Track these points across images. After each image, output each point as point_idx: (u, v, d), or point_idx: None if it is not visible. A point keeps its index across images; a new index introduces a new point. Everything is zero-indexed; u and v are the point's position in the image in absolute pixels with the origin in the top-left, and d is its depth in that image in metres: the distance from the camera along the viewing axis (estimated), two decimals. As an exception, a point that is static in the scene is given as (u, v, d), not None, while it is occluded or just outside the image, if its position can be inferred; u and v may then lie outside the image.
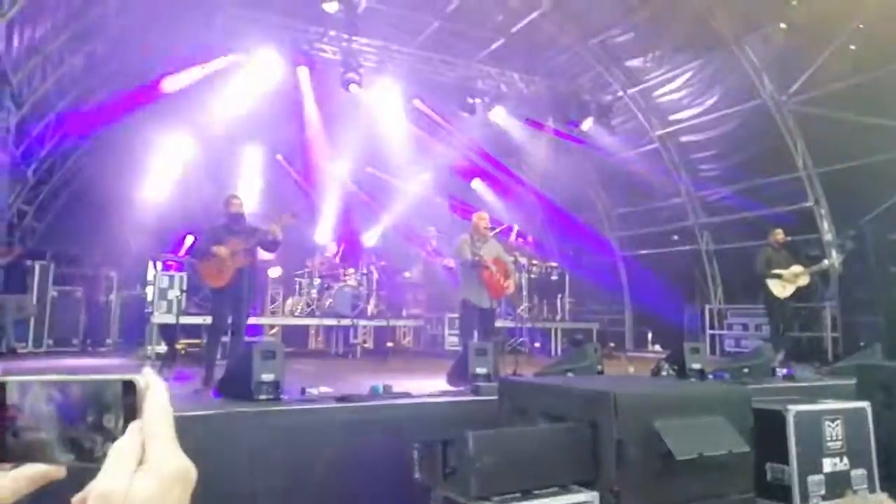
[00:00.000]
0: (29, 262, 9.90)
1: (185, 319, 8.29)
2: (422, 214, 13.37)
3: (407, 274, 11.99)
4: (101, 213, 10.57)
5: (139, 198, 11.00)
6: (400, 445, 3.69)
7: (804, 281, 8.62)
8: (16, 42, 7.40)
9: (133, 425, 0.57)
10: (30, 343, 9.80)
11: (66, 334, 10.17)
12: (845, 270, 9.44)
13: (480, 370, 5.33)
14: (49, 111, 9.37)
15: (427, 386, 5.48)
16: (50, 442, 0.58)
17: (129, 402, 0.58)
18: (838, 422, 4.11)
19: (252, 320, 9.42)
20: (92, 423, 0.58)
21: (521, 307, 11.45)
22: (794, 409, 4.01)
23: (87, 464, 0.57)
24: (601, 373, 5.78)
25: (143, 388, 0.59)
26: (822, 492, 3.94)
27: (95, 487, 0.54)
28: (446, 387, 5.47)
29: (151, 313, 8.73)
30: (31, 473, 0.59)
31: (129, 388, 0.59)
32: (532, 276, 11.94)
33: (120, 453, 0.55)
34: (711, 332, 12.12)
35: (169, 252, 9.77)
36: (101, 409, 0.58)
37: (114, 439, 0.56)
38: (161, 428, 0.58)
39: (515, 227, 11.94)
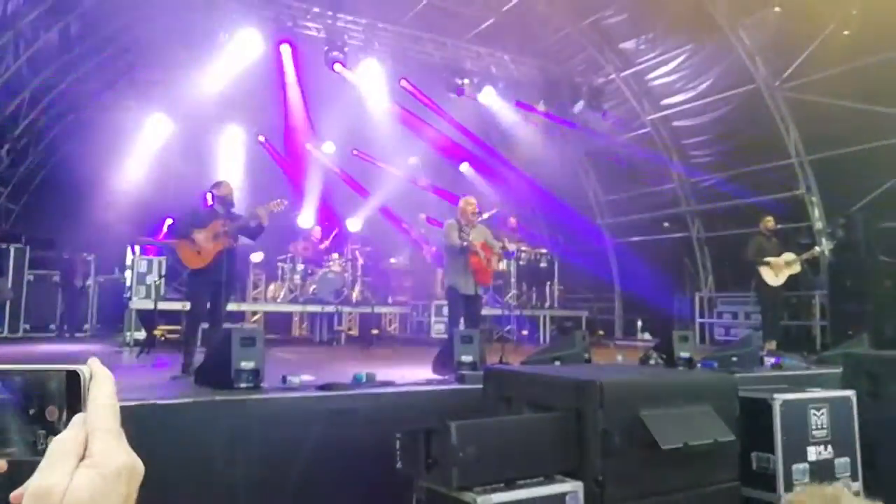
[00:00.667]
0: (3, 246, 9.67)
1: (163, 305, 8.14)
2: (409, 199, 13.21)
3: (393, 260, 11.86)
4: (79, 194, 10.33)
5: (117, 180, 10.76)
6: (382, 435, 3.60)
7: (796, 269, 8.59)
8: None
9: (76, 418, 0.55)
10: (5, 328, 9.61)
11: (42, 319, 9.99)
12: (835, 259, 9.42)
13: (466, 358, 5.23)
14: (22, 89, 9.10)
15: (412, 374, 5.39)
16: None
17: (73, 394, 0.56)
18: (824, 410, 4.14)
19: (233, 306, 9.29)
20: (34, 416, 0.56)
21: (510, 294, 11.36)
22: (780, 397, 4.00)
23: (28, 458, 0.54)
24: (589, 361, 5.71)
25: (88, 378, 0.57)
26: (807, 480, 3.98)
27: (32, 484, 0.51)
28: (431, 375, 5.37)
29: (130, 298, 8.57)
30: None
31: (74, 378, 0.56)
32: (521, 262, 11.84)
33: (61, 448, 0.53)
34: (701, 320, 12.11)
35: (147, 236, 9.56)
36: (44, 401, 0.56)
37: (57, 433, 0.55)
38: (105, 421, 0.55)
39: (513, 218, 11.85)
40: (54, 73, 9.51)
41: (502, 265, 7.23)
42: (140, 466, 0.56)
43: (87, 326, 10.54)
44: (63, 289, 10.44)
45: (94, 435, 0.54)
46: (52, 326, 10.16)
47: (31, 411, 0.56)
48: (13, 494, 0.53)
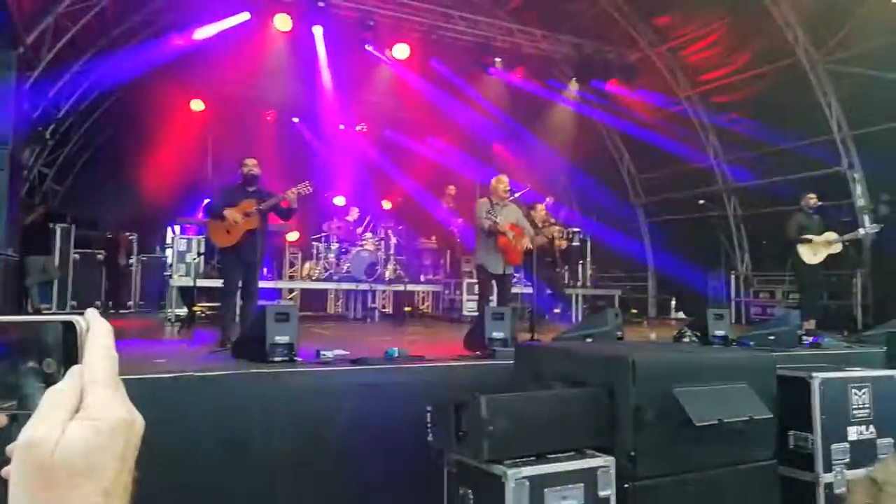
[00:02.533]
0: (50, 225, 9.98)
1: (202, 282, 8.33)
2: (440, 179, 13.19)
3: (425, 239, 11.89)
4: (121, 175, 10.61)
5: (157, 161, 10.98)
6: (414, 409, 3.65)
7: (836, 248, 8.34)
8: (27, 3, 7.32)
9: (72, 370, 0.53)
10: (54, 305, 9.96)
11: (88, 297, 10.30)
12: (878, 237, 9.12)
13: (497, 335, 5.25)
14: (65, 72, 9.33)
15: (444, 350, 5.43)
16: None
17: (70, 346, 0.54)
18: (865, 390, 4.05)
19: (269, 284, 9.47)
20: (32, 368, 0.54)
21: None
22: (819, 376, 3.93)
23: (26, 411, 0.52)
24: (621, 339, 5.67)
25: (85, 330, 0.55)
26: (847, 459, 3.92)
27: (22, 435, 0.49)
28: (463, 351, 5.40)
29: (170, 276, 8.79)
30: None
31: (71, 329, 0.54)
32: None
33: (54, 399, 0.51)
34: (737, 299, 11.89)
35: (186, 215, 9.78)
36: (41, 353, 0.54)
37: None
38: (102, 373, 0.53)
39: (550, 197, 11.75)
40: (93, 56, 9.72)
41: (533, 243, 7.17)
42: (139, 421, 0.54)
43: (130, 303, 10.87)
44: (107, 267, 10.76)
45: (89, 387, 0.52)
46: (98, 303, 10.47)
47: (30, 363, 0.54)
48: (8, 448, 0.51)
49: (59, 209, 10.88)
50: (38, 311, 9.40)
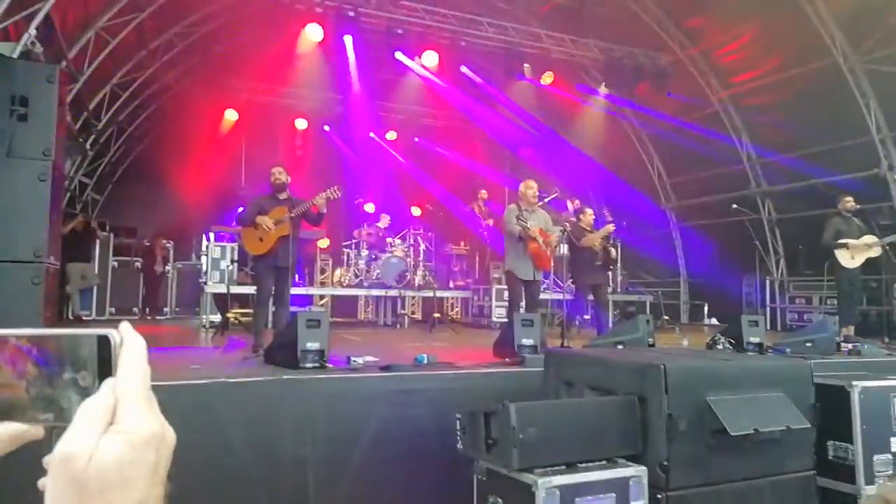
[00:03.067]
0: (91, 233, 10.25)
1: (235, 289, 8.47)
2: (470, 184, 13.21)
3: (453, 246, 11.91)
4: (158, 185, 10.87)
5: (193, 170, 11.21)
6: (443, 416, 3.65)
7: (876, 252, 8.11)
8: (70, 17, 7.57)
9: (106, 383, 0.54)
10: (93, 311, 10.23)
11: (126, 303, 10.58)
12: (920, 241, 8.84)
13: (527, 341, 5.22)
14: (105, 85, 9.60)
15: (473, 357, 5.42)
16: (27, 400, 0.54)
17: (104, 359, 0.55)
18: None
19: (301, 291, 9.58)
20: (69, 381, 0.55)
21: (571, 279, 11.21)
22: (859, 385, 3.80)
23: (64, 423, 0.53)
24: (652, 345, 5.59)
25: (119, 344, 0.55)
26: (890, 471, 3.78)
27: (58, 449, 0.50)
28: (492, 358, 5.39)
29: (205, 283, 8.96)
30: (9, 433, 0.55)
31: (105, 343, 0.55)
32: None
33: (88, 413, 0.51)
34: (772, 305, 11.64)
35: (220, 223, 9.96)
36: (77, 367, 0.55)
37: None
38: (135, 387, 0.54)
39: (576, 201, 11.66)
40: (132, 68, 9.99)
41: (563, 249, 7.15)
42: (171, 435, 0.55)
43: (166, 309, 11.12)
44: (144, 274, 11.03)
45: (122, 401, 0.52)
46: (135, 309, 10.76)
47: (65, 376, 0.55)
48: (45, 460, 0.51)
49: (99, 218, 11.20)
50: (77, 318, 9.66)
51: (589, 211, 8.48)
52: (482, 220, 10.73)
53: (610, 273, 9.28)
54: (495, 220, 10.14)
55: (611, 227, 8.04)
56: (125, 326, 0.57)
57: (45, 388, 0.55)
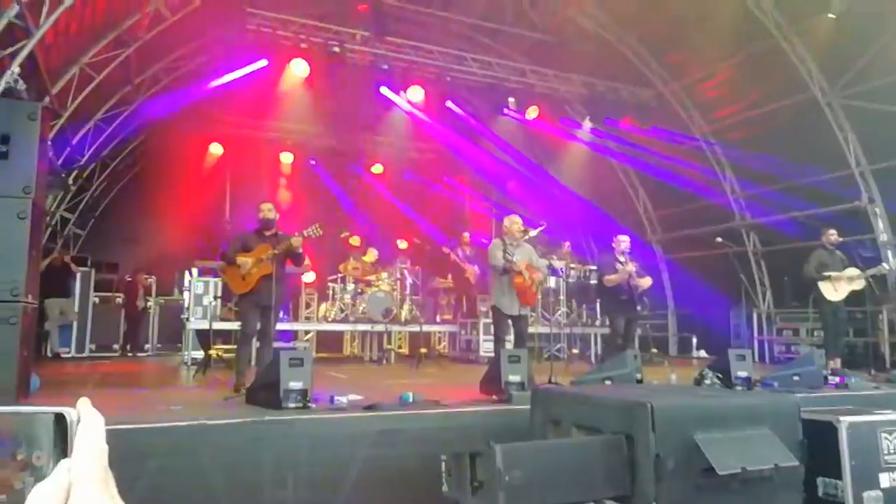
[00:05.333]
0: (71, 269, 10.12)
1: (218, 325, 8.36)
2: (456, 219, 13.25)
3: (440, 279, 11.88)
4: (140, 220, 10.80)
5: (176, 205, 11.15)
6: (429, 456, 3.57)
7: (859, 285, 8.18)
8: (55, 53, 7.58)
9: (60, 465, 0.52)
10: (72, 348, 10.03)
11: (107, 339, 10.38)
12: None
13: (514, 378, 5.17)
14: (88, 120, 9.59)
15: (460, 393, 5.35)
16: None
17: (60, 437, 0.53)
18: None
19: (286, 326, 9.47)
20: (23, 461, 0.53)
21: (559, 312, 11.20)
22: (846, 420, 3.78)
23: None
24: (640, 381, 5.55)
25: (76, 421, 0.54)
26: (879, 509, 3.70)
27: None
28: (479, 395, 5.32)
29: (188, 319, 8.83)
30: None
31: (61, 421, 0.54)
32: (570, 280, 11.67)
33: (40, 498, 0.50)
34: (760, 337, 11.66)
35: (203, 259, 9.87)
36: (32, 446, 0.53)
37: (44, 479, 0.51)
38: (90, 468, 0.52)
39: (567, 244, 11.76)
40: (116, 103, 10.00)
41: (549, 282, 7.14)
42: None
43: (148, 346, 10.93)
44: (126, 310, 10.86)
45: (77, 484, 0.51)
46: (116, 346, 10.56)
47: (20, 457, 0.53)
48: None
49: (81, 253, 11.06)
50: (56, 355, 9.47)
51: (623, 238, 8.34)
52: (467, 264, 10.70)
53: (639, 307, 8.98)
54: (479, 266, 10.14)
55: (631, 268, 7.96)
56: (82, 403, 0.55)
57: None
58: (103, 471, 0.53)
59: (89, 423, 0.54)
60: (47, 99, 7.54)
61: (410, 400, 4.68)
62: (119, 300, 10.88)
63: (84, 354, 10.10)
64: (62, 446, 0.53)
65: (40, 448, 0.53)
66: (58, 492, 0.50)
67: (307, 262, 7.18)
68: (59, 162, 9.13)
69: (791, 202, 11.00)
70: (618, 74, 12.02)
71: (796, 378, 5.83)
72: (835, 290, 8.12)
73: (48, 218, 9.56)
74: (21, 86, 6.44)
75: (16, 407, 0.54)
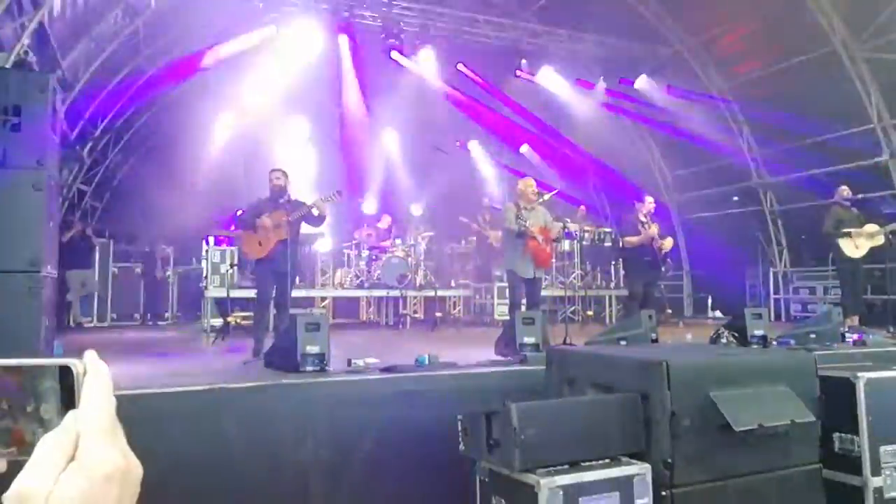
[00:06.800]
0: (90, 240, 10.25)
1: (236, 293, 8.46)
2: (471, 183, 13.18)
3: (454, 244, 11.87)
4: (156, 190, 10.83)
5: (191, 174, 11.19)
6: (445, 417, 3.62)
7: (879, 241, 8.05)
8: (62, 25, 7.55)
9: (68, 416, 0.52)
10: (94, 318, 10.22)
11: (127, 309, 10.58)
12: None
13: (528, 339, 5.19)
14: (100, 91, 9.59)
15: (475, 356, 5.39)
16: None
17: (67, 390, 0.53)
18: None
19: (302, 292, 9.55)
20: (31, 413, 0.53)
21: (573, 275, 11.18)
22: (864, 376, 3.76)
23: (26, 458, 0.51)
24: (656, 341, 5.56)
25: (81, 373, 0.54)
26: (896, 463, 3.71)
27: (14, 487, 0.48)
28: (494, 357, 5.36)
29: (206, 287, 8.94)
30: None
31: (67, 373, 0.54)
32: (584, 243, 11.62)
33: (46, 448, 0.50)
34: (776, 296, 11.59)
35: (220, 227, 9.93)
36: (39, 398, 0.53)
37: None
38: (98, 419, 0.52)
39: (582, 208, 11.68)
40: (127, 75, 9.97)
41: (563, 245, 7.10)
42: (135, 469, 0.52)
43: (167, 314, 11.11)
44: (145, 280, 11.02)
45: (84, 434, 0.50)
46: (136, 315, 10.75)
47: (29, 409, 0.53)
48: (3, 497, 0.49)
49: (99, 225, 11.18)
50: (79, 325, 9.65)
51: (649, 199, 8.28)
52: (489, 231, 10.65)
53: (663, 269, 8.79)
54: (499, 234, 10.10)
55: (654, 231, 7.88)
56: (89, 354, 0.55)
57: (7, 420, 0.53)
58: (111, 421, 0.52)
59: (96, 375, 0.54)
60: (59, 71, 7.52)
61: (426, 362, 4.72)
62: (138, 270, 11.03)
63: (105, 324, 10.29)
64: (70, 398, 0.53)
65: (47, 401, 0.53)
66: (65, 442, 0.50)
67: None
68: (73, 135, 9.17)
69: (809, 159, 10.80)
70: (633, 33, 11.75)
71: (813, 336, 5.80)
72: (855, 247, 8.02)
73: (65, 191, 9.63)
74: (32, 58, 6.43)
75: (21, 359, 0.54)
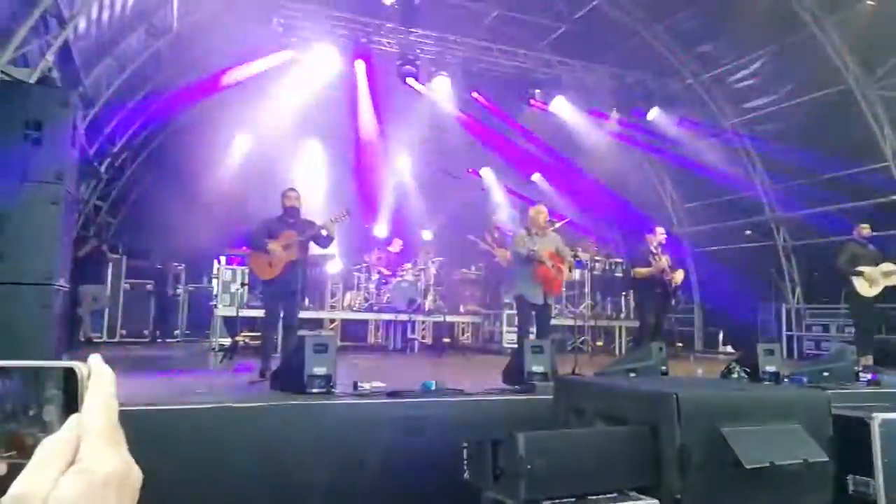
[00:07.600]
0: (104, 256, 10.32)
1: (245, 312, 8.47)
2: (481, 209, 13.21)
3: (464, 270, 11.87)
4: (171, 208, 10.93)
5: (205, 194, 11.29)
6: (450, 443, 3.58)
7: (894, 280, 7.97)
8: (86, 43, 7.71)
9: (70, 419, 0.51)
10: (104, 334, 10.25)
11: (137, 325, 10.59)
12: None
13: (537, 368, 5.15)
14: (120, 109, 9.75)
15: (483, 383, 5.35)
16: None
17: (70, 393, 0.53)
18: None
19: (311, 314, 9.55)
20: (33, 416, 0.52)
21: (584, 304, 11.12)
22: (880, 416, 3.68)
23: (27, 461, 0.50)
24: (665, 373, 5.49)
25: (86, 376, 0.53)
26: (913, 507, 3.61)
27: (12, 490, 0.48)
28: (502, 384, 5.31)
29: (216, 306, 8.97)
30: None
31: (71, 376, 0.53)
32: (595, 272, 11.59)
33: (46, 451, 0.49)
34: (789, 333, 11.45)
35: (232, 247, 10.00)
36: (42, 401, 0.53)
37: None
38: (100, 423, 0.51)
39: (592, 238, 11.68)
40: (147, 94, 10.15)
41: (574, 274, 7.08)
42: (135, 474, 0.52)
43: (177, 332, 11.13)
44: (156, 297, 11.06)
45: (86, 437, 0.50)
46: (146, 332, 10.77)
47: (30, 412, 0.52)
48: (3, 499, 0.49)
49: (112, 241, 11.27)
50: (89, 340, 9.68)
51: (660, 230, 8.26)
52: (496, 248, 10.64)
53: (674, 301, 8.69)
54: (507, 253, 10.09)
55: (664, 262, 7.86)
56: (94, 358, 0.55)
57: (9, 423, 0.52)
58: (112, 425, 0.52)
59: (100, 378, 0.54)
60: (81, 88, 7.67)
61: (433, 387, 4.69)
62: (150, 287, 11.08)
63: (115, 340, 10.31)
64: (72, 401, 0.52)
65: (50, 403, 0.53)
66: (66, 445, 0.50)
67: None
68: (92, 151, 9.30)
69: (823, 196, 10.74)
70: (647, 65, 11.84)
71: (826, 374, 5.71)
72: (869, 285, 7.93)
73: (81, 206, 9.75)
74: (55, 74, 6.56)
75: (24, 361, 0.53)
